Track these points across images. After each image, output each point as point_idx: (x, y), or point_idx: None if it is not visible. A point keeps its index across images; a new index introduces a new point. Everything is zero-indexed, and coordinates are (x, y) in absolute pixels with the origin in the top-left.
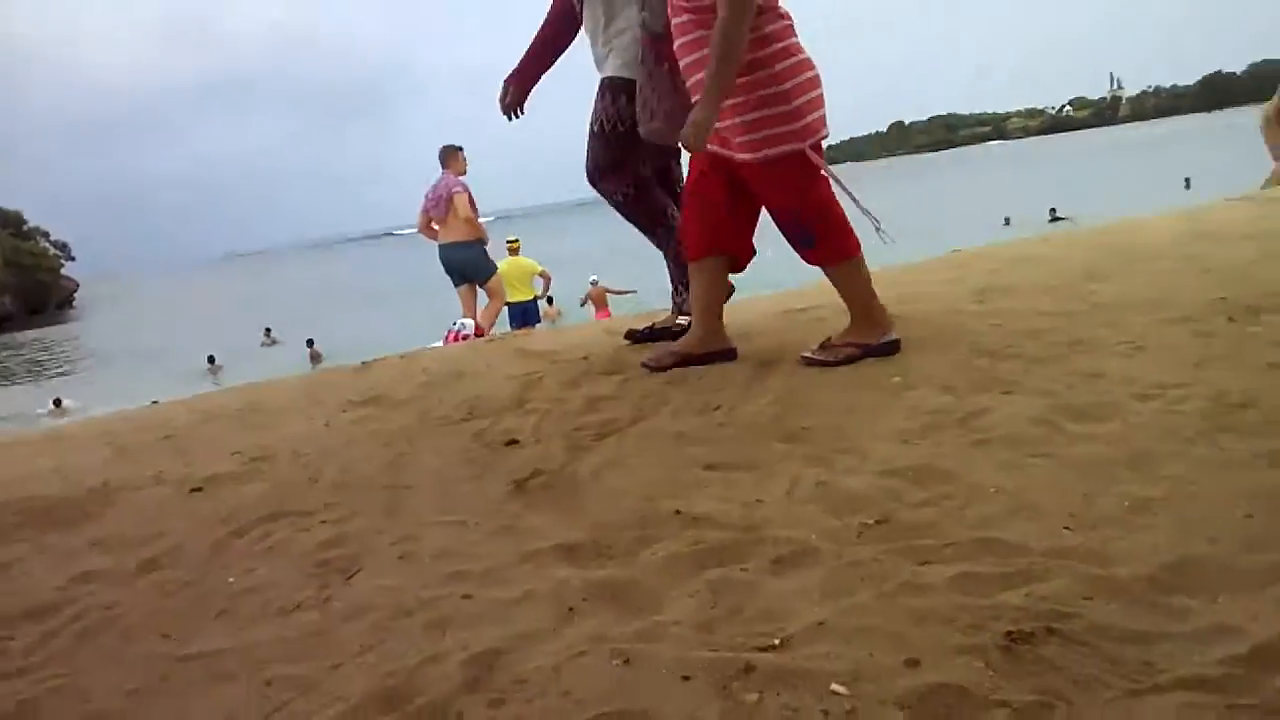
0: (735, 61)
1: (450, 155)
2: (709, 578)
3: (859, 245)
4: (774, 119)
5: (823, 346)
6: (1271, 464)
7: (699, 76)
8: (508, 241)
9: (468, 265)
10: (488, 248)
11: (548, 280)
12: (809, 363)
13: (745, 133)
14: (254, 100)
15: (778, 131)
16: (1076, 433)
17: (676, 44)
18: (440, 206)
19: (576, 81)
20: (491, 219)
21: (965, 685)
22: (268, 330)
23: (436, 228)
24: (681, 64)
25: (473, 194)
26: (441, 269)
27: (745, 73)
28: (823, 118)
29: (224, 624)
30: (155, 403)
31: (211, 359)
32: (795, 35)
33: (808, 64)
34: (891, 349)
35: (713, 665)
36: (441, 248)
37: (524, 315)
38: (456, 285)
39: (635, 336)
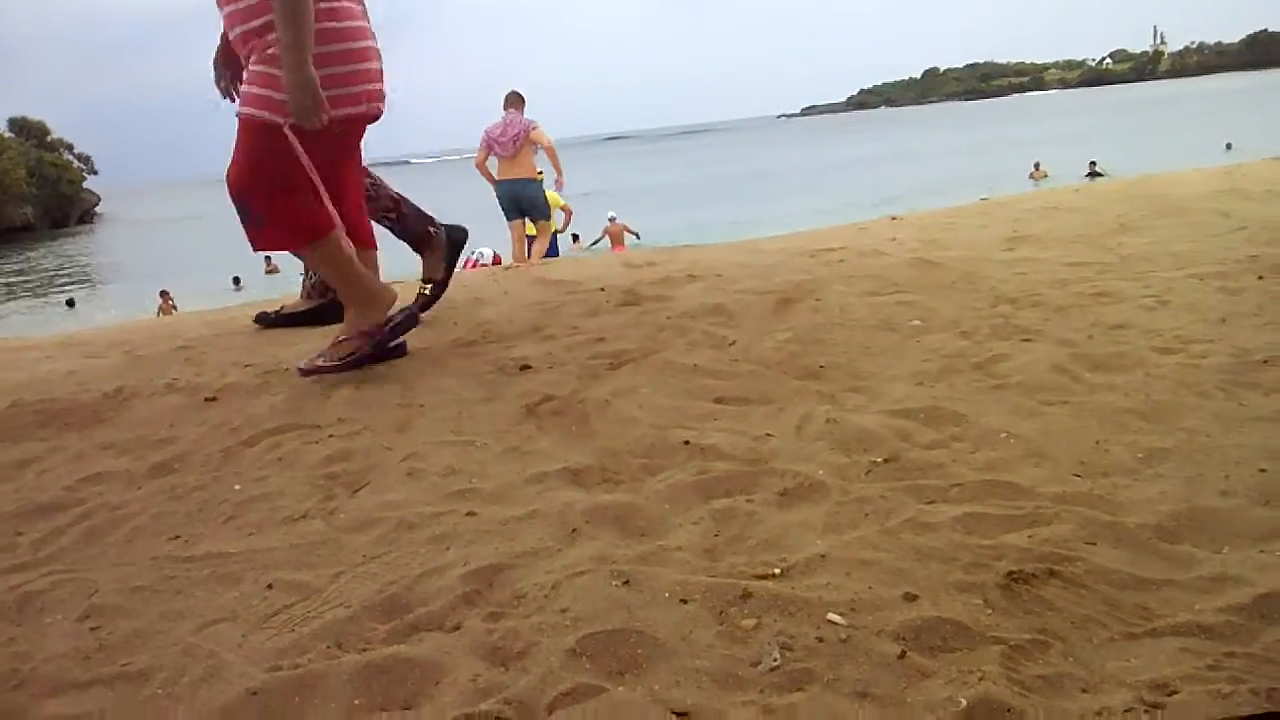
0: (300, 19)
1: (518, 99)
2: (714, 507)
3: (321, 230)
4: (270, 81)
5: (334, 344)
6: None
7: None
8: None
9: (529, 201)
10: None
11: (569, 215)
12: (305, 373)
13: (248, 84)
14: None
15: (266, 95)
16: (1094, 382)
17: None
18: (512, 144)
19: (593, 20)
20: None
21: (962, 621)
22: (267, 258)
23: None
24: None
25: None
26: (490, 201)
27: (273, 30)
28: (337, 98)
29: (230, 529)
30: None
31: (237, 279)
32: (350, 3)
33: (341, 35)
34: (403, 327)
35: (712, 590)
36: (505, 183)
37: (548, 249)
38: (511, 219)
39: (265, 320)
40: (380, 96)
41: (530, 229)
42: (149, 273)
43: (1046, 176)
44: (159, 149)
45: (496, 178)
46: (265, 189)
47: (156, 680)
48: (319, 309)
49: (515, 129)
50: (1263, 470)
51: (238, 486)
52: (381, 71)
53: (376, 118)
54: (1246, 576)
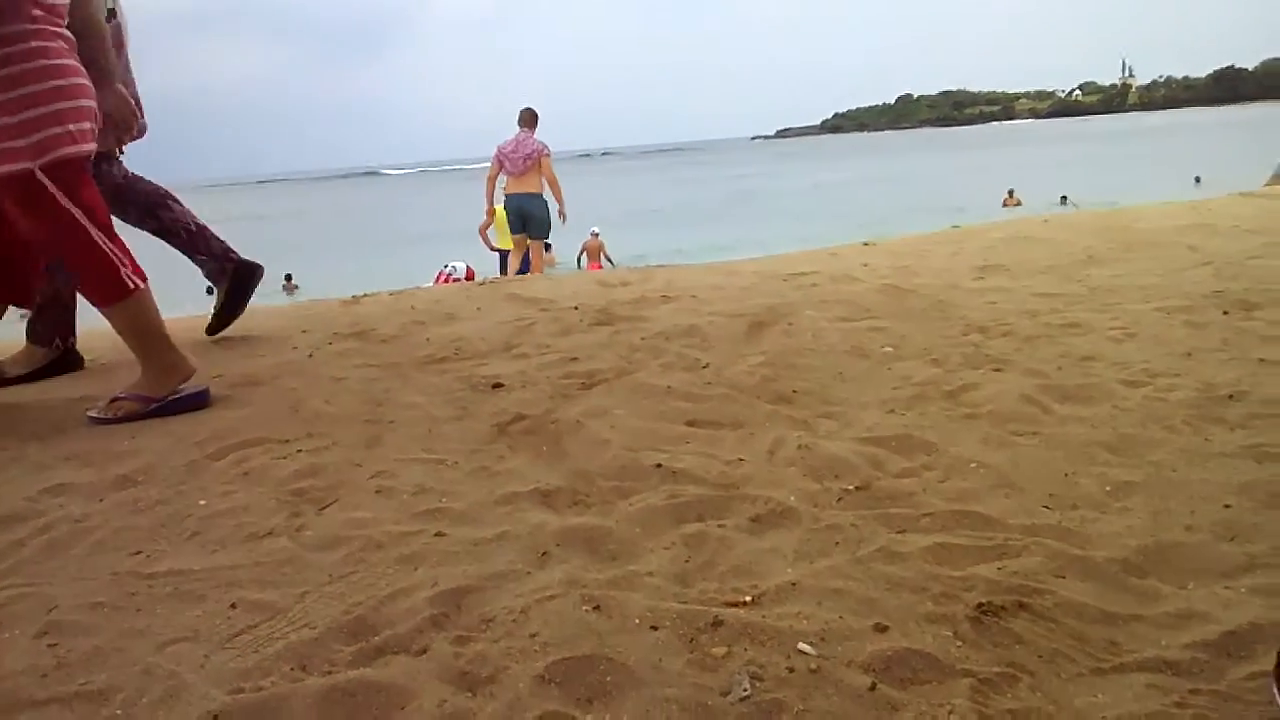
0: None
1: (532, 117)
2: (685, 532)
3: (132, 287)
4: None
5: (112, 401)
6: (1256, 457)
7: None
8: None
9: (533, 217)
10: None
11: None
12: (94, 422)
13: None
14: (243, 28)
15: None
16: (1063, 413)
17: None
18: (523, 163)
19: (577, 34)
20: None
21: (932, 653)
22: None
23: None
24: None
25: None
26: (462, 215)
27: None
28: (69, 135)
29: (194, 545)
30: None
31: (210, 289)
32: (56, 41)
33: (58, 72)
34: (190, 404)
35: (682, 617)
36: (514, 197)
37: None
38: (515, 233)
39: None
40: (93, 135)
41: (505, 242)
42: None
43: (1019, 204)
44: (138, 150)
45: (505, 192)
46: (64, 244)
47: (115, 701)
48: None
49: (528, 149)
50: (1227, 506)
51: (202, 501)
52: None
53: (89, 157)
54: (1212, 613)
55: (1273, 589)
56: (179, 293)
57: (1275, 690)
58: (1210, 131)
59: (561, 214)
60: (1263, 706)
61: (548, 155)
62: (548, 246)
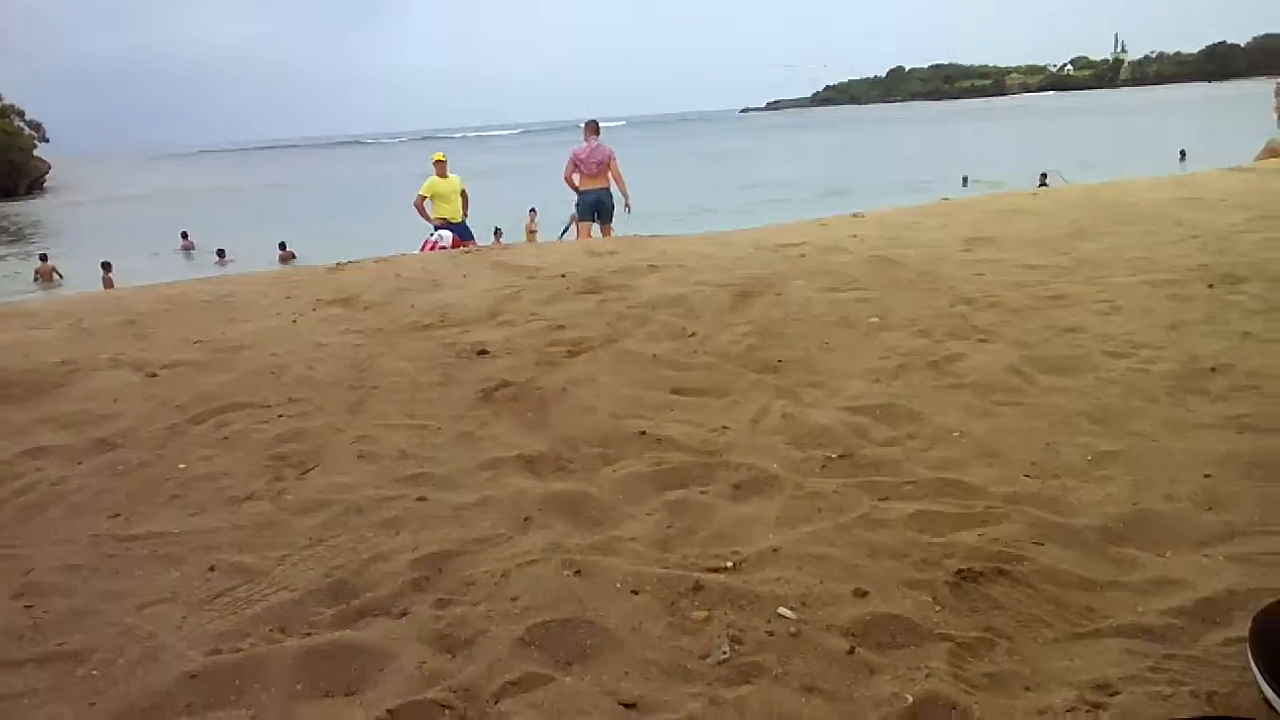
0: None
1: (596, 127)
2: (668, 498)
3: None
4: None
5: None
6: (1237, 429)
7: None
8: (435, 159)
9: (605, 207)
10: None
11: (465, 200)
12: None
13: None
14: None
15: None
16: (1046, 384)
17: None
18: (595, 166)
19: (558, 6)
20: (519, 131)
21: (911, 618)
22: (184, 234)
23: (578, 178)
24: None
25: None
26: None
27: None
28: None
29: (174, 508)
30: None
31: (221, 253)
32: None
33: None
34: None
35: (664, 582)
36: (590, 192)
37: (463, 234)
38: (584, 220)
39: None
40: None
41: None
42: (96, 243)
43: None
44: (112, 119)
45: (582, 189)
46: None
47: (92, 661)
48: None
49: (601, 155)
50: (1207, 476)
51: (182, 465)
52: None
53: None
54: (1189, 580)
55: (1250, 557)
56: (145, 264)
57: (1250, 656)
58: (1199, 107)
59: (628, 205)
60: (1237, 671)
61: (615, 159)
62: (533, 211)
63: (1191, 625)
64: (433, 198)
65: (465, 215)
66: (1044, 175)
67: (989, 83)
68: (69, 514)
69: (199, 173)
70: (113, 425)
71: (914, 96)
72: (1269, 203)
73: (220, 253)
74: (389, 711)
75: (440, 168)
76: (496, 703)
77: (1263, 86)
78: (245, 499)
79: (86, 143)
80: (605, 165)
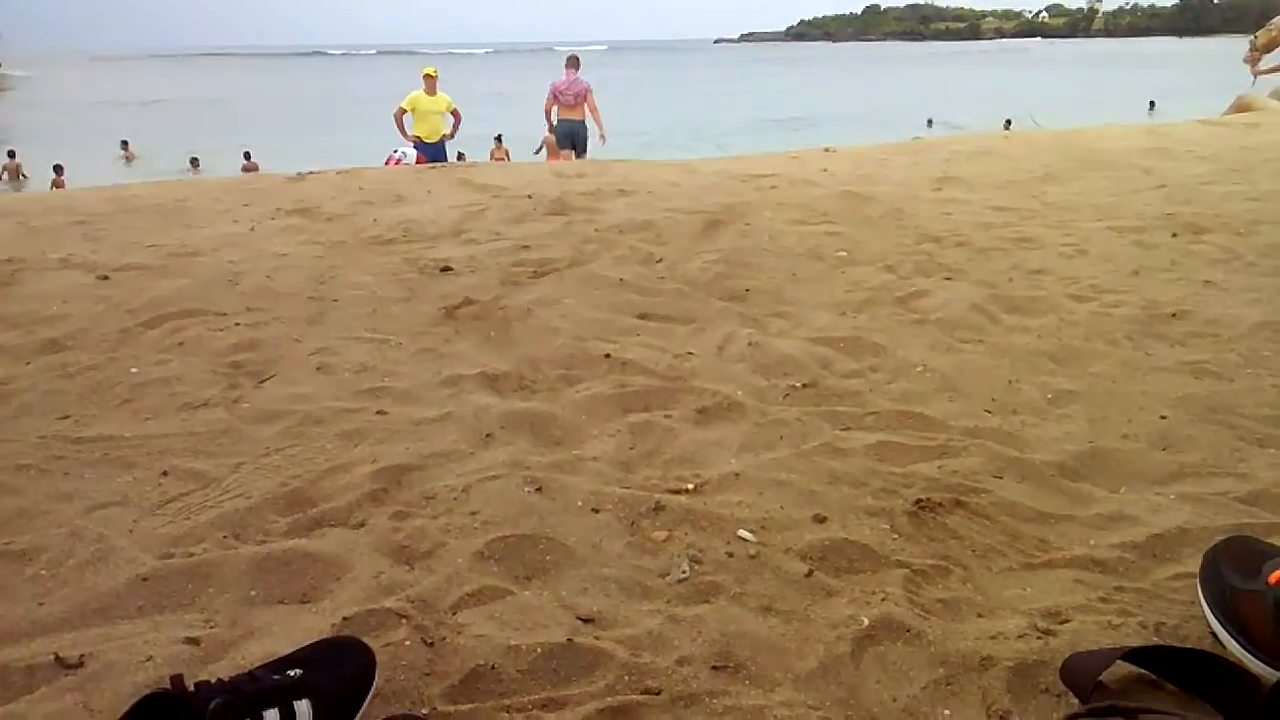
0: None
1: (576, 61)
2: (631, 420)
3: None
4: None
5: None
6: (1194, 373)
7: None
8: (429, 72)
9: (578, 136)
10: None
11: (458, 119)
12: None
13: None
14: None
15: None
16: (1010, 323)
17: None
18: (572, 98)
19: None
20: (490, 51)
21: (869, 544)
22: (10, 153)
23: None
24: None
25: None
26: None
27: None
28: None
29: (125, 413)
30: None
31: (195, 161)
32: None
33: None
34: None
35: (625, 501)
36: (565, 122)
37: (434, 156)
38: (562, 149)
39: None
40: None
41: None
42: (44, 145)
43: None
44: (70, 19)
45: (559, 118)
46: None
47: (40, 560)
48: None
49: (578, 87)
50: (1163, 417)
51: (134, 369)
52: None
53: None
54: (1141, 516)
55: (1201, 497)
56: (97, 164)
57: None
58: (1172, 61)
59: (602, 137)
60: (1184, 605)
61: (590, 92)
62: (499, 139)
63: (1142, 560)
64: (413, 112)
65: (452, 136)
66: (1008, 121)
67: (964, 26)
68: (16, 414)
69: (153, 80)
70: (62, 326)
71: (888, 36)
72: (1236, 156)
73: (194, 161)
74: (344, 619)
75: (429, 84)
76: (454, 614)
77: (1237, 44)
78: (200, 406)
79: (33, 44)
80: (582, 98)
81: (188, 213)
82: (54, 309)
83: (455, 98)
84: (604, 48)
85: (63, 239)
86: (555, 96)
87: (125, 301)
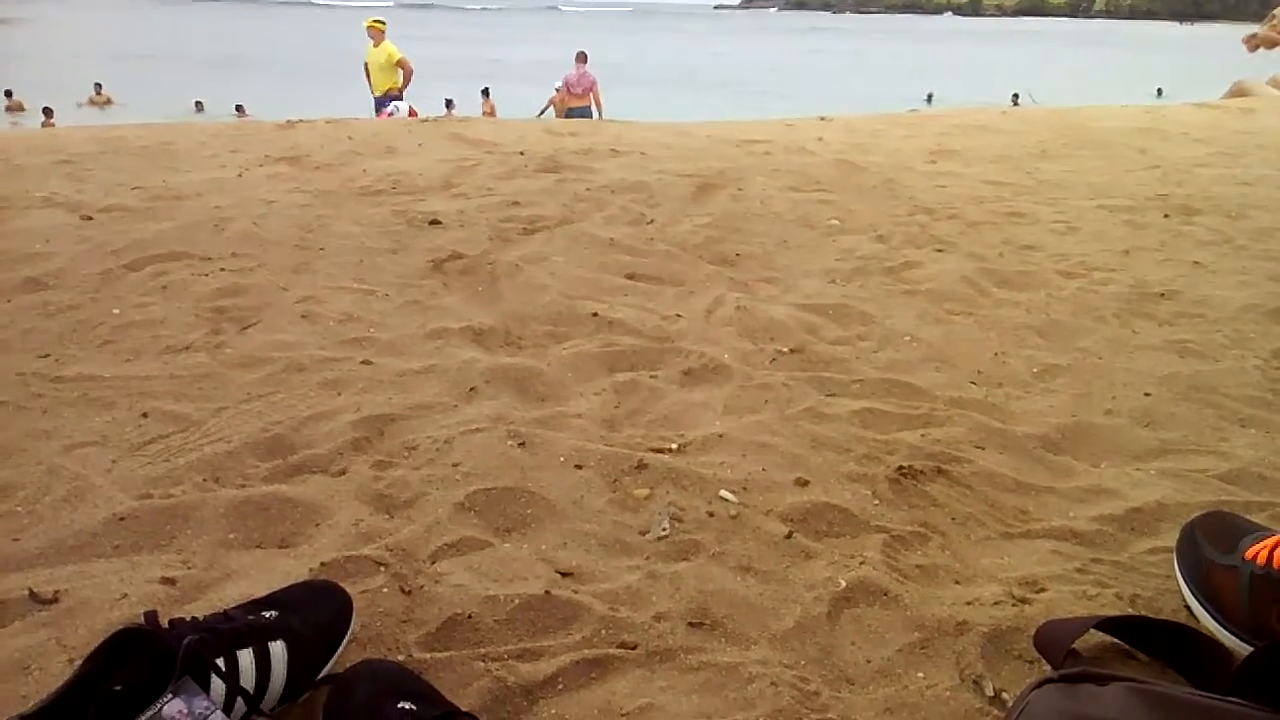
0: None
1: (584, 56)
2: (617, 379)
3: None
4: None
5: None
6: (1179, 352)
7: None
8: (372, 22)
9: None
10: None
11: (408, 74)
12: None
13: None
14: None
15: None
16: (999, 297)
17: None
18: (580, 89)
19: None
20: (478, 9)
21: (850, 509)
22: (8, 92)
23: (567, 98)
24: None
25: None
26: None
27: None
28: None
29: (106, 353)
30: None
31: (200, 105)
32: None
33: None
34: None
35: (607, 459)
36: (574, 109)
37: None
38: None
39: None
40: None
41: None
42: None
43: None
44: None
45: (567, 107)
46: None
47: (17, 497)
48: None
49: (587, 81)
50: (1147, 394)
51: (116, 311)
52: None
53: None
54: (1121, 490)
55: (1181, 473)
56: (61, 100)
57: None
58: (1178, 47)
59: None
60: (1160, 579)
61: (597, 85)
62: (486, 92)
63: (1120, 533)
64: (368, 67)
65: (400, 95)
66: (1015, 96)
67: (964, 2)
68: None
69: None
70: (44, 265)
71: (889, 9)
72: (1231, 140)
73: (198, 105)
74: (322, 565)
75: (373, 34)
76: (433, 563)
77: (1239, 31)
78: (182, 349)
79: None
80: (589, 90)
81: (174, 156)
82: (36, 247)
83: (445, 76)
84: (629, 9)
85: (47, 178)
86: (568, 88)
87: (108, 242)
